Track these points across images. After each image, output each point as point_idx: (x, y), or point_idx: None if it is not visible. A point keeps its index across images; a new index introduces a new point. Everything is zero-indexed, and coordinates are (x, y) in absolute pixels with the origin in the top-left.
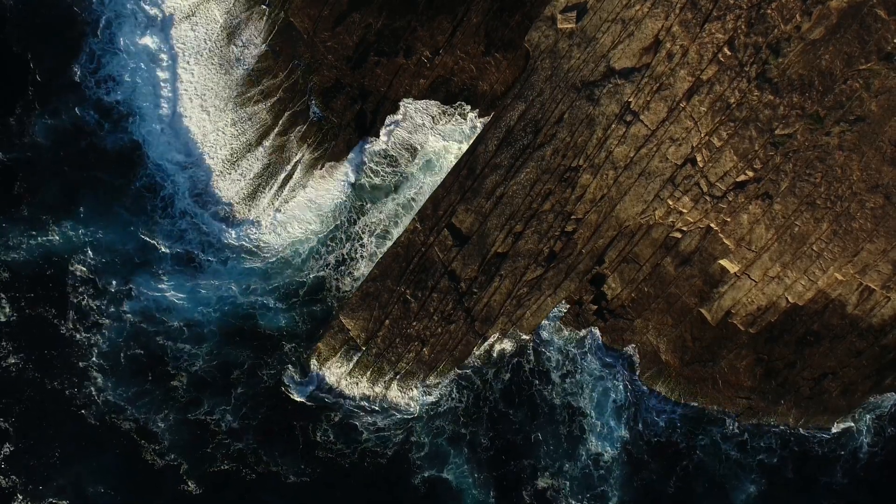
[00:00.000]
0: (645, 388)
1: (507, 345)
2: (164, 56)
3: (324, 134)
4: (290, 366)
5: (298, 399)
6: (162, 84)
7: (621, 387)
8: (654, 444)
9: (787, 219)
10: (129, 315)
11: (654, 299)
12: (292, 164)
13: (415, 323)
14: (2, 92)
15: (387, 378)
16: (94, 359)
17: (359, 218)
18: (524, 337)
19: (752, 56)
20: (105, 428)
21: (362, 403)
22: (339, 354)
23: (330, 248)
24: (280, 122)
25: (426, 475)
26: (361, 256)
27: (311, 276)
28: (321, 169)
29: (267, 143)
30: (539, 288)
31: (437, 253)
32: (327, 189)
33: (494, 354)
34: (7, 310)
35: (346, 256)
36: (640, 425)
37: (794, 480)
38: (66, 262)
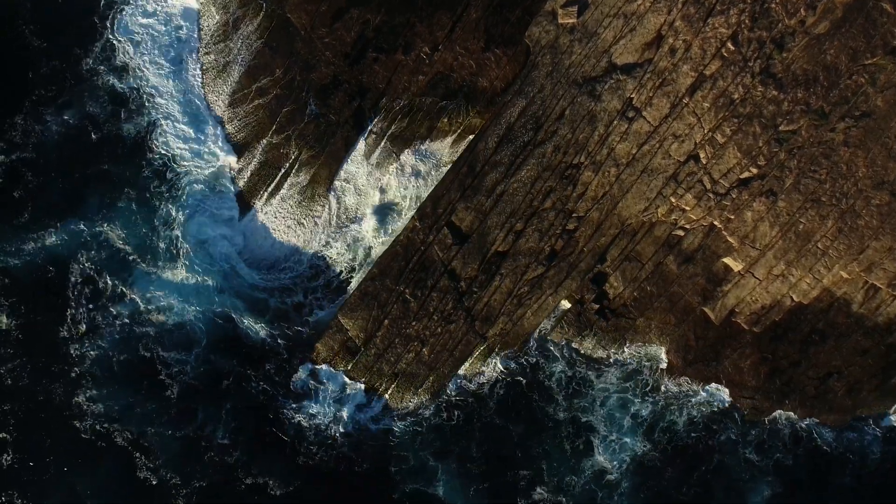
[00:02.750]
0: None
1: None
2: (167, 50)
3: (321, 131)
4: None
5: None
6: (166, 76)
7: (650, 402)
8: (669, 453)
9: (791, 216)
10: (122, 318)
11: (656, 298)
12: (290, 162)
13: (414, 323)
14: (12, 85)
15: (385, 380)
16: (87, 366)
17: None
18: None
19: (756, 51)
20: (100, 439)
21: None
22: (338, 355)
23: (291, 296)
24: (277, 120)
25: (408, 489)
26: (324, 302)
27: (272, 303)
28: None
29: (264, 141)
30: (540, 287)
31: (437, 252)
32: (297, 226)
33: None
34: (6, 317)
35: (308, 303)
36: (656, 434)
37: (806, 481)
38: (68, 264)
